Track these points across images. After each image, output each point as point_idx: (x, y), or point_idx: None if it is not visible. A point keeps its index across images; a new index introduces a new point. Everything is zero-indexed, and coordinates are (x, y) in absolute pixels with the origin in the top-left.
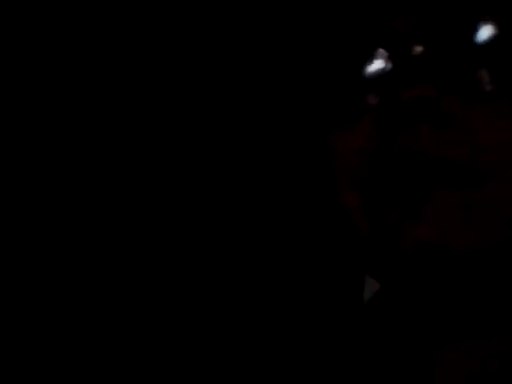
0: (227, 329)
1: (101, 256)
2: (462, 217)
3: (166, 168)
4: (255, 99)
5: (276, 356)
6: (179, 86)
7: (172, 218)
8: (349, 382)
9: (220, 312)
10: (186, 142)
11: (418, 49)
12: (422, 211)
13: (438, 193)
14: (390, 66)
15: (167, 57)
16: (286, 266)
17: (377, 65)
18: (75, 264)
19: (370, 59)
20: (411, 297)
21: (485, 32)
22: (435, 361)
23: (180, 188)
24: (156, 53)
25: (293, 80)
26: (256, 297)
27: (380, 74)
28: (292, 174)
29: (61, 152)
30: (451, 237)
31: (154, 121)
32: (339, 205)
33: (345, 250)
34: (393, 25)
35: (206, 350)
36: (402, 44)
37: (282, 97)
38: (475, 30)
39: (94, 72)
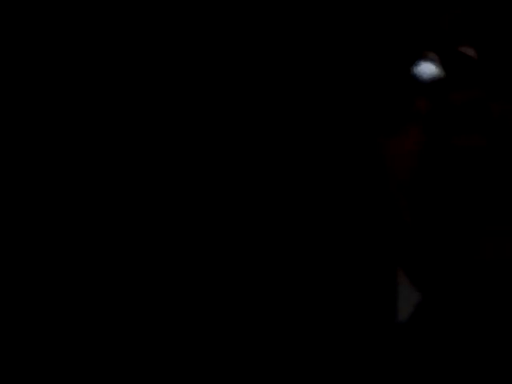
0: (232, 329)
1: (101, 256)
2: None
3: (165, 167)
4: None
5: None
6: (180, 86)
7: (172, 217)
8: None
9: (227, 312)
10: (196, 142)
11: (469, 52)
12: (483, 227)
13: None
14: (440, 70)
15: (167, 57)
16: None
17: (427, 69)
18: (75, 264)
19: (419, 63)
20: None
21: None
22: None
23: (187, 188)
24: (156, 53)
25: (343, 83)
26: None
27: (430, 79)
28: (344, 179)
29: (61, 152)
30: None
31: (153, 121)
32: (390, 207)
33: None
34: (443, 28)
35: (206, 350)
36: (452, 48)
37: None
38: None
39: (94, 72)
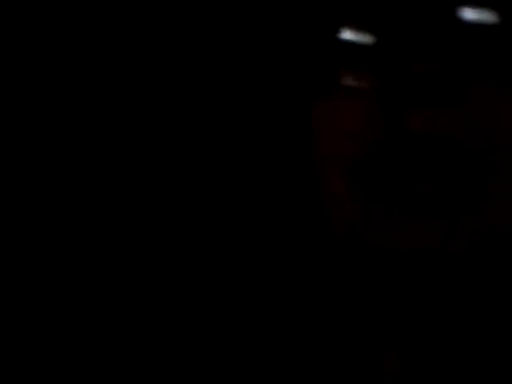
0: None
1: (100, 256)
2: (463, 219)
3: (160, 167)
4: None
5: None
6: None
7: (165, 215)
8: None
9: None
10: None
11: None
12: (422, 212)
13: (440, 188)
14: (392, 39)
15: (167, 57)
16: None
17: (367, 38)
18: (75, 264)
19: (362, 30)
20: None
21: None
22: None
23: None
24: (156, 53)
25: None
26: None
27: (379, 48)
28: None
29: (60, 152)
30: (449, 242)
31: (152, 120)
32: (319, 193)
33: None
34: None
35: (203, 350)
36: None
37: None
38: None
39: (94, 72)
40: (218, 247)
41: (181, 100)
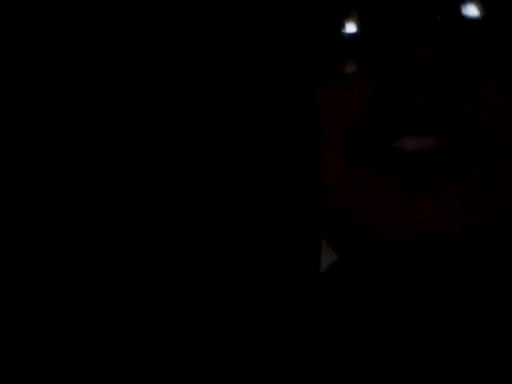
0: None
1: (100, 256)
2: (462, 201)
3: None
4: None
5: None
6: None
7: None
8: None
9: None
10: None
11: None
12: (420, 194)
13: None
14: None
15: (167, 57)
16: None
17: (372, 23)
18: (75, 264)
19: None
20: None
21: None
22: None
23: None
24: (156, 53)
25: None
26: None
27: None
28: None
29: (60, 152)
30: (448, 223)
31: (152, 120)
32: (315, 175)
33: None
34: None
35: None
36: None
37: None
38: None
39: (94, 72)
40: (213, 239)
41: (181, 93)
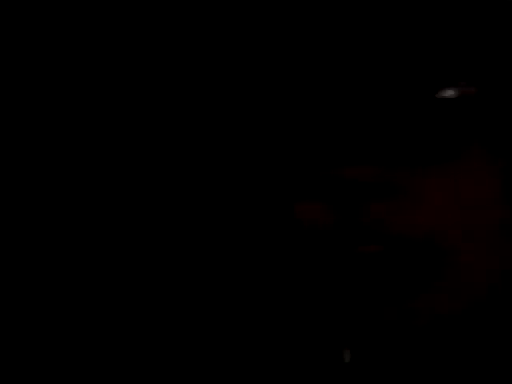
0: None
1: (100, 256)
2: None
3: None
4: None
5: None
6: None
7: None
8: None
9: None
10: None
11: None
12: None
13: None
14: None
15: (166, 57)
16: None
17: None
18: (75, 264)
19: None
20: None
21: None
22: None
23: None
24: (155, 53)
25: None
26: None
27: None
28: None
29: (60, 152)
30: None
31: (151, 121)
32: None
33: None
34: None
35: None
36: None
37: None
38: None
39: (94, 72)
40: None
41: (179, 103)
